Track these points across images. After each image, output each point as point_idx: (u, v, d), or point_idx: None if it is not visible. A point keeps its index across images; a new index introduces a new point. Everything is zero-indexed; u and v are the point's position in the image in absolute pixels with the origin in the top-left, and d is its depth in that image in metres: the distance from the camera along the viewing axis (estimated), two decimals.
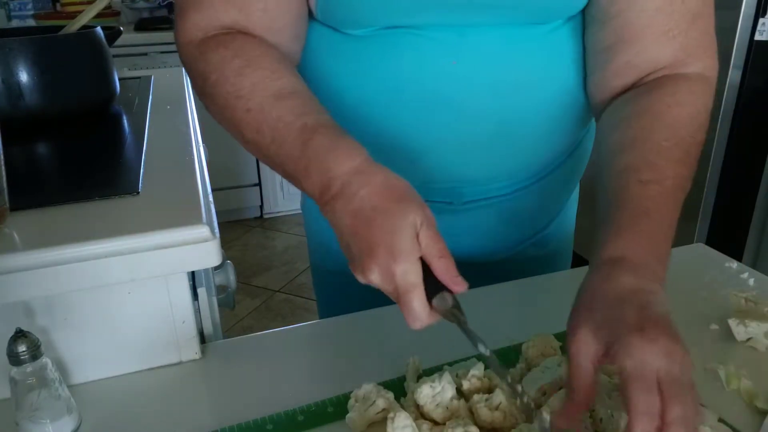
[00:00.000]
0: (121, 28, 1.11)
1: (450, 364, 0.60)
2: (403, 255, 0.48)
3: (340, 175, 0.51)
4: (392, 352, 0.63)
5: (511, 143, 0.70)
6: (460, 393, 0.55)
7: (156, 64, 2.63)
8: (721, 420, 0.53)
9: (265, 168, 3.11)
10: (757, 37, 1.76)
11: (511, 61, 0.65)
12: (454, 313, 0.49)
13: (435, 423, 0.52)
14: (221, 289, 0.76)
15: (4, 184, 0.59)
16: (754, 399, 0.56)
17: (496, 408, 0.51)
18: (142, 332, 0.62)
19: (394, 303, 0.73)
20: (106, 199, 0.65)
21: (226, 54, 0.60)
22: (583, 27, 0.69)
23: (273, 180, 3.15)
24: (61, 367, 0.59)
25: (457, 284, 0.50)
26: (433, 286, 0.49)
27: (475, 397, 0.53)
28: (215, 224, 0.63)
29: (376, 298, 0.72)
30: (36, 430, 0.52)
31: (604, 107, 0.68)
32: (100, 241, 0.56)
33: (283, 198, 3.22)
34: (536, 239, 0.86)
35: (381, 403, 0.53)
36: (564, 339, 0.63)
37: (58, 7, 2.91)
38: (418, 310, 0.48)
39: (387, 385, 0.56)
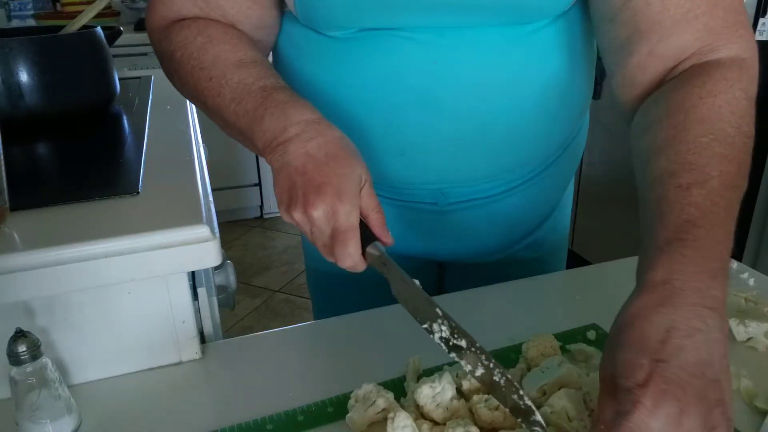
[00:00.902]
0: (121, 28, 1.11)
1: (450, 365, 0.60)
2: (349, 197, 0.52)
3: (299, 121, 0.55)
4: (392, 352, 0.63)
5: (494, 144, 0.69)
6: (460, 393, 0.55)
7: (156, 64, 2.62)
8: None
9: (265, 168, 3.10)
10: (757, 37, 1.76)
11: (492, 62, 0.65)
12: (384, 261, 0.53)
13: (435, 423, 0.52)
14: (221, 289, 0.76)
15: (4, 184, 0.59)
16: (754, 399, 0.56)
17: (496, 408, 0.51)
18: (142, 332, 0.62)
19: (394, 303, 0.73)
20: (106, 199, 0.65)
21: (189, 33, 0.64)
22: (583, 29, 0.69)
23: None
24: (61, 367, 0.59)
25: (387, 237, 0.54)
26: (364, 238, 0.53)
27: (475, 397, 0.53)
28: (215, 224, 0.63)
29: (371, 299, 0.72)
30: (36, 430, 0.52)
31: (634, 109, 0.62)
32: (100, 241, 0.56)
33: None
34: (529, 241, 0.86)
35: (381, 403, 0.53)
36: (564, 339, 0.63)
37: (58, 7, 2.91)
38: (353, 250, 0.52)
39: (387, 385, 0.56)
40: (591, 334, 0.65)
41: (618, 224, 2.25)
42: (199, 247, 0.58)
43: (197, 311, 0.67)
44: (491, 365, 0.48)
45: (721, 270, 0.45)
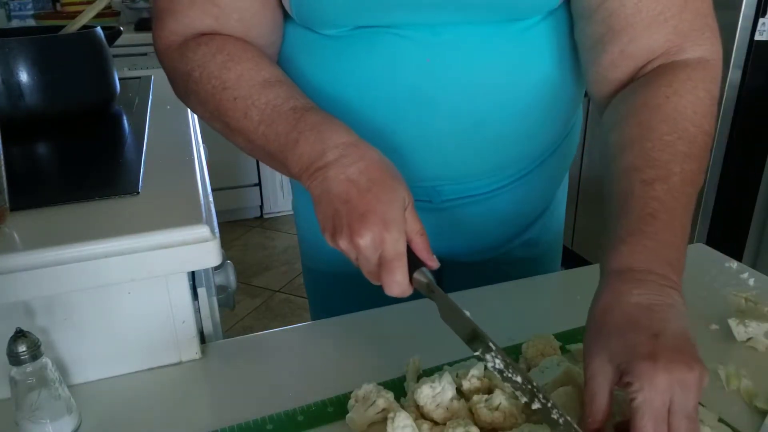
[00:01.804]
0: (121, 28, 1.12)
1: (450, 364, 0.60)
2: (395, 224, 0.50)
3: (338, 144, 0.53)
4: (392, 352, 0.63)
5: (488, 141, 0.69)
6: (460, 393, 0.55)
7: (156, 64, 2.61)
8: (721, 420, 0.53)
9: (265, 168, 3.10)
10: (757, 37, 1.76)
11: (485, 59, 0.65)
12: (432, 288, 0.52)
13: (435, 423, 0.52)
14: (221, 289, 0.76)
15: (4, 184, 0.59)
16: (754, 399, 0.56)
17: (496, 408, 0.51)
18: (142, 332, 0.62)
19: (394, 303, 0.74)
20: (106, 199, 0.65)
21: (208, 51, 0.61)
22: (572, 26, 0.69)
23: (273, 180, 3.15)
24: (61, 367, 0.59)
25: (433, 261, 0.53)
26: (410, 262, 0.52)
27: (475, 397, 0.53)
28: (215, 224, 0.63)
29: (369, 299, 0.72)
30: (36, 430, 0.52)
31: (605, 105, 0.66)
32: (100, 241, 0.56)
33: (283, 198, 3.22)
34: (524, 239, 0.86)
35: (381, 403, 0.53)
36: (563, 339, 0.63)
37: (58, 7, 2.91)
38: (401, 278, 0.51)
39: (387, 385, 0.56)
40: None
41: None
42: (199, 247, 0.58)
43: (197, 311, 0.67)
44: (549, 404, 0.47)
45: (677, 259, 0.50)
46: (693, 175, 0.54)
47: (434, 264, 0.53)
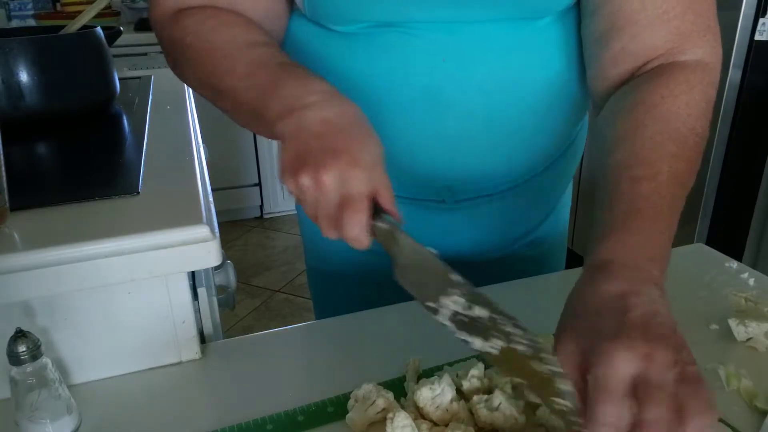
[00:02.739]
0: (121, 28, 1.12)
1: (450, 365, 0.60)
2: (365, 166, 0.49)
3: (319, 90, 0.53)
4: (392, 352, 0.63)
5: (501, 141, 0.70)
6: (460, 393, 0.55)
7: (156, 64, 2.63)
8: (721, 420, 0.53)
9: (265, 168, 3.11)
10: (757, 37, 1.76)
11: (500, 59, 0.65)
12: (394, 233, 0.50)
13: (435, 424, 0.52)
14: (221, 289, 0.76)
15: (4, 184, 0.59)
16: (754, 399, 0.56)
17: (496, 409, 0.51)
18: (142, 332, 0.62)
19: (394, 303, 0.73)
20: (106, 199, 0.65)
21: (201, 17, 0.63)
22: (578, 21, 0.69)
23: (273, 180, 3.15)
24: (61, 367, 0.59)
25: (397, 215, 0.51)
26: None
27: (475, 398, 0.53)
28: (215, 224, 0.63)
29: (372, 299, 0.72)
30: (36, 430, 0.52)
31: (603, 101, 0.66)
32: (100, 241, 0.56)
33: (283, 198, 3.22)
34: (530, 239, 0.86)
35: (381, 403, 0.53)
36: None
37: (58, 7, 2.91)
38: (363, 216, 0.48)
39: (387, 385, 0.56)
40: None
41: None
42: (199, 247, 0.58)
43: (197, 311, 0.67)
44: (520, 333, 0.45)
45: (660, 256, 0.50)
46: (681, 175, 0.54)
47: (398, 217, 0.51)
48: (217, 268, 0.75)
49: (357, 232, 0.49)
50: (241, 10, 0.66)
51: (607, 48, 0.63)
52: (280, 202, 3.24)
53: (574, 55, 0.69)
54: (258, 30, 0.63)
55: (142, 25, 2.84)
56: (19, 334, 0.50)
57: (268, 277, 2.69)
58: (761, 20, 1.74)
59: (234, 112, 0.60)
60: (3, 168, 0.59)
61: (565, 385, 0.43)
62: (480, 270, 0.86)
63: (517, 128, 0.69)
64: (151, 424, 0.56)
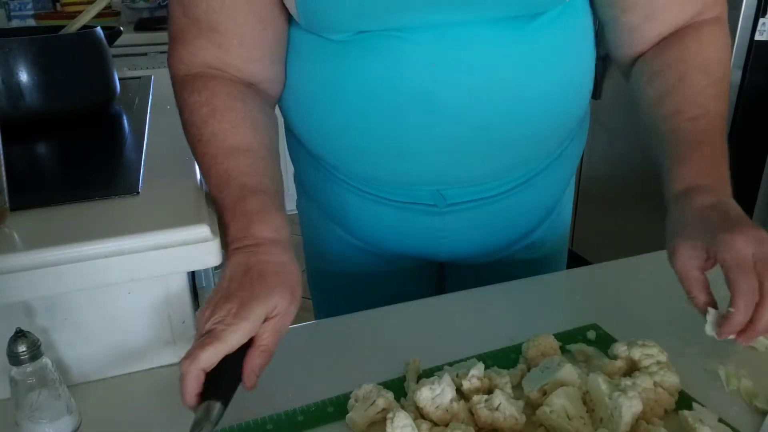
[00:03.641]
0: (121, 28, 1.12)
1: (450, 365, 0.60)
2: (247, 317, 0.51)
3: (257, 238, 0.58)
4: (392, 352, 0.63)
5: (494, 145, 0.69)
6: (460, 393, 0.55)
7: (156, 64, 2.63)
8: (721, 420, 0.53)
9: None
10: (757, 37, 1.76)
11: (492, 63, 0.64)
12: (201, 425, 0.47)
13: (435, 424, 0.52)
14: None
15: (4, 184, 0.59)
16: (754, 399, 0.56)
17: (496, 408, 0.51)
18: (142, 332, 0.62)
19: (394, 303, 0.74)
20: (106, 199, 0.65)
21: (199, 99, 0.65)
22: (579, 27, 0.69)
23: None
24: (61, 367, 0.60)
25: (251, 381, 0.52)
26: (215, 388, 0.49)
27: (475, 398, 0.53)
28: (215, 224, 0.63)
29: (372, 299, 0.72)
30: (36, 430, 0.52)
31: (630, 64, 0.76)
32: (100, 241, 0.56)
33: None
34: (528, 242, 0.86)
35: (381, 403, 0.53)
36: (564, 339, 0.63)
37: (58, 7, 2.91)
38: (204, 360, 0.49)
39: (387, 385, 0.56)
40: (591, 334, 0.65)
41: (618, 224, 2.25)
42: (199, 247, 0.58)
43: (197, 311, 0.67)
44: None
45: (726, 176, 0.64)
46: (724, 110, 0.68)
47: (250, 384, 0.52)
48: (217, 268, 0.75)
49: (185, 380, 0.49)
50: (252, 47, 0.67)
51: (631, 12, 0.72)
52: None
53: (572, 58, 0.69)
54: (246, 129, 0.65)
55: (142, 25, 2.84)
56: (19, 334, 0.50)
57: None
58: (761, 20, 1.74)
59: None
60: (3, 168, 0.59)
61: None
62: (479, 272, 0.86)
63: (511, 132, 0.69)
64: (151, 424, 0.56)
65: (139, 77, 1.30)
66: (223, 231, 0.60)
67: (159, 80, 1.25)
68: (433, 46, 0.63)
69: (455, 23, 0.63)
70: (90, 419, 0.56)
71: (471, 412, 0.53)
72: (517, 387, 0.57)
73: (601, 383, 0.52)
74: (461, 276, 0.90)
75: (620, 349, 0.59)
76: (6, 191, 0.60)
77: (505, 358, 0.62)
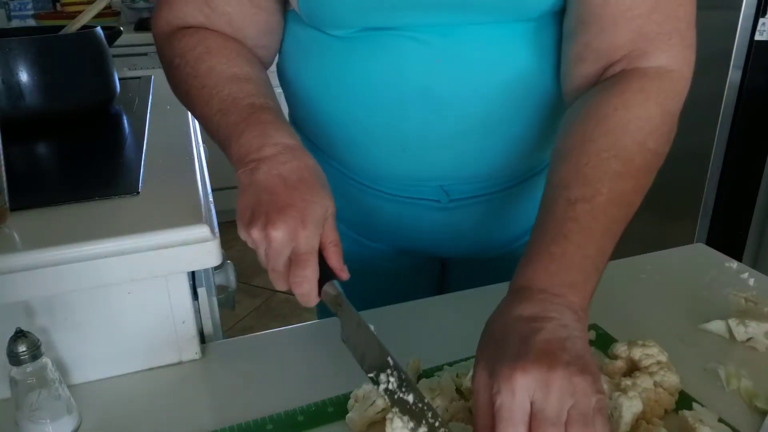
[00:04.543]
0: (121, 28, 1.12)
1: (450, 365, 0.60)
2: (313, 223, 0.51)
3: (278, 143, 0.55)
4: (392, 352, 0.63)
5: (496, 141, 0.70)
6: (459, 393, 0.55)
7: (156, 64, 2.61)
8: (721, 420, 0.53)
9: None
10: (757, 37, 1.76)
11: (494, 60, 0.65)
12: (339, 301, 0.52)
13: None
14: (221, 289, 0.76)
15: (4, 184, 0.59)
16: (754, 399, 0.56)
17: None
18: (142, 332, 0.62)
19: (394, 303, 0.74)
20: (106, 199, 0.65)
21: (189, 42, 0.65)
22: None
23: None
24: (61, 367, 0.59)
25: (344, 272, 0.53)
26: (321, 273, 0.52)
27: None
28: (215, 224, 0.63)
29: (372, 299, 0.72)
30: (36, 430, 0.52)
31: (569, 103, 0.64)
32: (100, 241, 0.56)
33: None
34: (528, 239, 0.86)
35: (381, 403, 0.53)
36: None
37: (58, 7, 2.91)
38: (311, 273, 0.51)
39: None
40: (591, 334, 0.65)
41: None
42: (199, 247, 0.58)
43: (197, 311, 0.67)
44: (437, 424, 0.45)
45: (583, 281, 0.49)
46: (623, 195, 0.53)
47: (345, 275, 0.53)
48: (217, 268, 0.75)
49: (304, 289, 0.51)
50: (240, 27, 0.67)
51: (574, 44, 0.62)
52: None
53: None
54: (243, 61, 0.64)
55: (142, 25, 2.84)
56: (19, 334, 0.50)
57: (268, 277, 2.68)
58: (761, 20, 1.74)
59: (208, 135, 0.63)
60: (3, 168, 0.59)
61: None
62: (479, 269, 0.86)
63: (513, 129, 0.69)
64: (151, 424, 0.56)
65: (139, 77, 1.30)
66: (230, 149, 0.57)
67: (159, 80, 1.25)
68: (436, 45, 0.63)
69: (458, 23, 0.63)
70: (90, 419, 0.56)
71: (471, 412, 0.53)
72: None
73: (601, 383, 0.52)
74: (463, 273, 0.90)
75: (620, 349, 0.59)
76: (6, 191, 0.60)
77: None
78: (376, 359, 0.49)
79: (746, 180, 1.94)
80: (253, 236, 0.52)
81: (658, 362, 0.57)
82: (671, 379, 0.55)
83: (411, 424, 0.46)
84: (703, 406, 0.54)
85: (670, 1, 0.57)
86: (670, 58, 0.58)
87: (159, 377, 0.62)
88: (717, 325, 0.66)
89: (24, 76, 0.86)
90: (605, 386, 0.52)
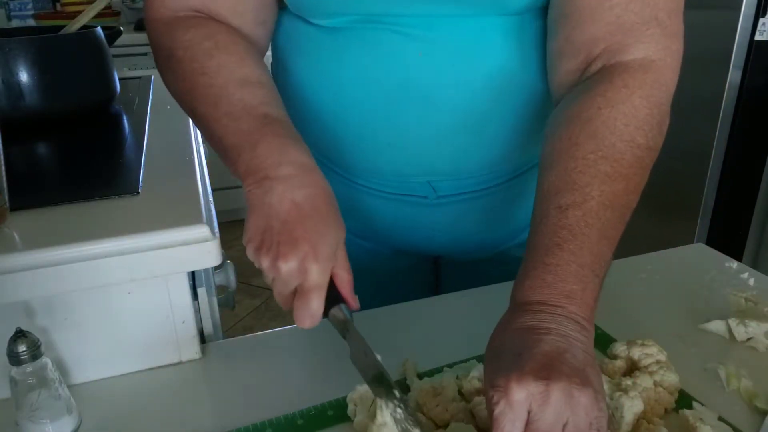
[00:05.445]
0: (121, 28, 1.12)
1: (450, 366, 0.60)
2: (324, 257, 0.50)
3: (295, 162, 0.53)
4: (392, 352, 0.63)
5: (483, 137, 0.69)
6: (460, 394, 0.55)
7: None
8: (721, 419, 0.53)
9: None
10: (757, 37, 1.76)
11: (480, 55, 0.64)
12: (346, 325, 0.52)
13: (436, 425, 0.52)
14: (221, 289, 0.76)
15: (4, 184, 0.59)
16: (754, 399, 0.56)
17: None
18: (142, 332, 0.62)
19: (394, 303, 0.74)
20: (106, 199, 0.65)
21: (197, 34, 0.62)
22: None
23: None
24: (61, 367, 0.59)
25: (354, 301, 0.53)
26: (329, 298, 0.51)
27: (476, 399, 0.53)
28: (215, 224, 0.63)
29: (371, 299, 0.72)
30: (36, 430, 0.52)
31: (557, 101, 0.63)
32: (100, 241, 0.56)
33: None
34: (521, 239, 0.86)
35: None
36: None
37: (58, 7, 2.91)
38: (316, 308, 0.50)
39: None
40: None
41: None
42: (199, 247, 0.58)
43: (197, 311, 0.67)
44: None
45: (580, 289, 0.48)
46: (616, 197, 0.51)
47: (355, 305, 0.53)
48: (217, 268, 0.75)
49: (307, 323, 0.50)
50: (238, 13, 0.65)
51: (555, 39, 0.61)
52: None
53: None
54: (252, 62, 0.62)
55: (142, 25, 2.83)
56: (19, 334, 0.50)
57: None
58: (761, 20, 1.74)
59: (205, 135, 0.60)
60: (3, 168, 0.59)
61: None
62: (472, 270, 0.86)
63: (500, 125, 0.69)
64: (151, 424, 0.56)
65: (139, 77, 1.30)
66: (239, 158, 0.54)
67: (159, 80, 1.25)
68: (421, 37, 0.63)
69: (440, 14, 0.62)
70: (90, 419, 0.56)
71: (471, 413, 0.53)
72: None
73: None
74: (456, 273, 0.90)
75: (620, 348, 0.59)
76: (6, 191, 0.59)
77: None
78: (382, 395, 0.49)
79: (746, 180, 1.94)
80: (263, 265, 0.50)
81: (658, 361, 0.57)
82: (670, 378, 0.55)
83: None
84: (703, 405, 0.54)
85: None
86: (650, 48, 0.56)
87: (159, 377, 0.62)
88: (717, 325, 0.66)
89: (24, 76, 0.86)
90: (605, 386, 0.52)
